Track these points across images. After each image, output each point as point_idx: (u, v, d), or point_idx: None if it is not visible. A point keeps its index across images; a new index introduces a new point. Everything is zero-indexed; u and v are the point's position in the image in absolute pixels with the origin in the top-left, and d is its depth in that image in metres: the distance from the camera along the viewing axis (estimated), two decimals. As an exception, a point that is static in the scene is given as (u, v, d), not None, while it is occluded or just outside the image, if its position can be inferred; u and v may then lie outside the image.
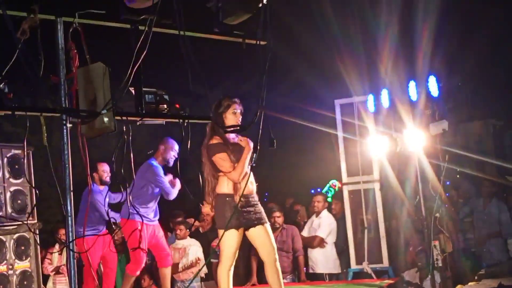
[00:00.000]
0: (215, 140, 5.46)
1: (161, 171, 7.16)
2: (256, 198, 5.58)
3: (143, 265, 7.29)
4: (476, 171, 9.22)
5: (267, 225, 5.60)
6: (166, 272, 7.42)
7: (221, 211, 5.45)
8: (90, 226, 7.46)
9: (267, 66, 4.53)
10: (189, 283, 7.19)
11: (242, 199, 5.38)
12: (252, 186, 5.52)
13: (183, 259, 9.09)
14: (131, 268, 7.23)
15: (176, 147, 7.09)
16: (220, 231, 5.48)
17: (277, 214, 8.97)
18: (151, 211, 7.26)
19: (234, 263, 5.52)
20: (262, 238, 5.54)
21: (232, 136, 5.56)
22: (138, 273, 7.30)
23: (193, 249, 9.15)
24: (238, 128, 5.41)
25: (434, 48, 8.47)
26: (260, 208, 5.58)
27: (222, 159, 5.40)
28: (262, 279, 9.68)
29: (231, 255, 5.45)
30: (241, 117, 5.51)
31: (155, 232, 7.34)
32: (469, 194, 9.56)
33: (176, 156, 7.02)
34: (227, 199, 5.43)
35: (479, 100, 9.85)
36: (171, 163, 7.10)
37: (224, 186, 5.47)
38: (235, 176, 5.40)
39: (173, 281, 9.24)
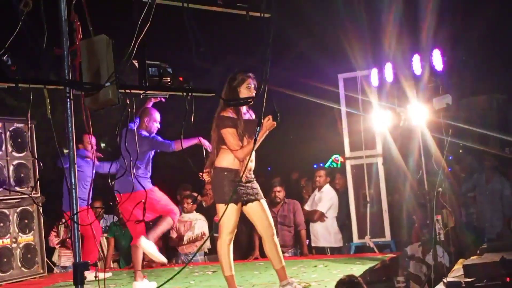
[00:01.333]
0: (228, 113, 5.45)
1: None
2: (253, 174, 5.59)
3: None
4: (479, 145, 9.22)
5: (263, 201, 5.62)
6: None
7: (220, 185, 5.45)
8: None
9: (271, 39, 4.50)
10: (192, 256, 7.18)
11: (240, 173, 5.38)
12: (251, 163, 5.53)
13: (188, 232, 9.16)
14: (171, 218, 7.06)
15: (158, 117, 6.99)
16: (218, 205, 5.50)
17: (278, 188, 9.00)
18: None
19: (233, 238, 5.53)
20: (259, 213, 5.55)
21: (243, 111, 5.55)
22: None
23: (199, 224, 9.21)
24: (241, 101, 5.39)
25: (438, 22, 8.41)
26: (256, 184, 5.60)
27: (230, 134, 5.39)
28: (264, 253, 9.75)
29: (230, 229, 5.46)
30: (255, 91, 5.47)
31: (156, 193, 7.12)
32: (472, 168, 9.57)
33: (159, 127, 6.96)
34: (226, 173, 5.42)
35: (483, 74, 9.82)
36: (154, 132, 7.01)
37: (224, 160, 5.45)
38: (240, 155, 5.39)
39: (177, 254, 9.32)
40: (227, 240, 5.47)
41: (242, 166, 5.41)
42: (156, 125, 7.01)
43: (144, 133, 6.93)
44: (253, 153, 5.45)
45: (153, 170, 7.09)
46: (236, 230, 5.56)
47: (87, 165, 7.90)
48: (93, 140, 7.79)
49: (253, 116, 5.63)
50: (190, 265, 8.41)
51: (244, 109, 5.55)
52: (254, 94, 5.45)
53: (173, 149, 6.79)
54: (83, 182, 7.74)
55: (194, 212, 9.27)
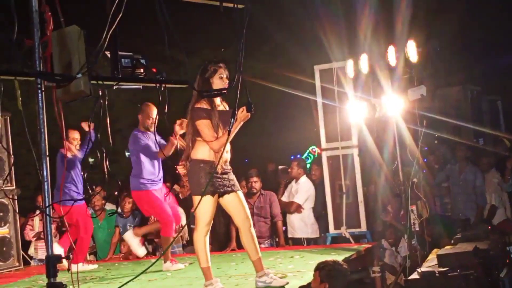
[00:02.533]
0: (202, 104, 5.42)
1: (141, 138, 7.15)
2: (229, 166, 5.58)
3: (174, 224, 7.34)
4: (453, 136, 9.30)
5: (240, 193, 5.62)
6: (166, 241, 7.32)
7: (196, 177, 5.43)
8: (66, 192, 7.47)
9: (244, 30, 4.49)
10: (165, 249, 7.18)
11: (215, 165, 5.37)
12: (227, 154, 5.52)
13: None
14: (164, 230, 7.27)
15: (153, 113, 7.05)
16: (195, 198, 5.46)
17: (255, 179, 9.03)
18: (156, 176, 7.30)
19: (210, 229, 5.52)
20: (236, 205, 5.56)
21: (217, 102, 5.54)
22: (173, 233, 7.29)
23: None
24: (215, 92, 5.38)
25: (413, 14, 8.46)
26: (232, 175, 5.59)
27: (205, 126, 5.36)
28: (241, 244, 9.77)
29: (207, 221, 5.44)
30: (227, 81, 5.47)
31: (164, 196, 7.40)
32: (446, 159, 9.66)
33: (155, 122, 6.99)
34: (202, 165, 5.40)
35: (457, 65, 9.90)
36: (151, 129, 7.06)
37: (200, 152, 5.43)
38: (215, 146, 5.36)
39: (156, 246, 9.32)
40: (203, 232, 5.44)
41: (217, 158, 5.39)
42: (150, 121, 7.02)
43: (140, 134, 7.03)
44: (228, 144, 5.44)
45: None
46: (212, 222, 5.55)
47: (76, 161, 7.85)
48: (77, 135, 7.78)
49: (227, 107, 5.63)
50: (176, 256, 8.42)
51: (218, 100, 5.54)
52: (227, 84, 5.44)
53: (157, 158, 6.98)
54: (78, 178, 7.74)
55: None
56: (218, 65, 5.48)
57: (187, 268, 7.38)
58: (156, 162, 7.25)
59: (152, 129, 7.01)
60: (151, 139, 7.08)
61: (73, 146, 7.81)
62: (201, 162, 5.41)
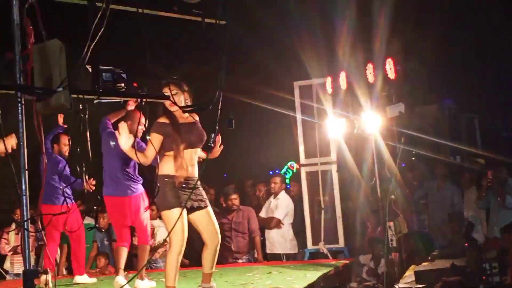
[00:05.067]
0: (162, 119, 5.41)
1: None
2: (197, 181, 5.46)
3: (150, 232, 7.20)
4: (431, 153, 9.38)
5: (209, 209, 5.57)
6: (143, 251, 7.07)
7: (162, 192, 5.33)
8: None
9: (225, 46, 4.52)
10: (143, 265, 7.09)
11: (181, 179, 5.34)
12: (192, 168, 5.44)
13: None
14: (141, 239, 7.05)
15: (142, 120, 6.94)
16: (163, 214, 5.41)
17: (234, 196, 9.07)
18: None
19: (184, 247, 5.39)
20: (205, 222, 5.52)
21: (183, 115, 5.52)
22: (151, 241, 7.18)
23: (162, 231, 9.13)
24: (197, 108, 5.39)
25: (391, 32, 8.54)
26: (201, 191, 5.52)
27: (154, 139, 5.31)
28: (220, 260, 9.75)
29: (179, 237, 5.31)
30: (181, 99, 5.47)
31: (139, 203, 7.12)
32: (424, 176, 9.73)
33: (144, 129, 6.91)
34: (166, 179, 5.33)
35: (435, 83, 10.00)
36: (139, 136, 6.97)
37: (165, 167, 5.35)
38: (143, 160, 5.32)
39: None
40: (177, 250, 5.32)
41: (183, 172, 5.36)
42: (140, 128, 6.92)
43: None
44: (195, 158, 5.46)
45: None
46: (188, 237, 5.50)
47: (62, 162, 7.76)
48: (67, 141, 7.71)
49: (197, 118, 5.62)
50: (149, 271, 8.37)
51: (179, 112, 5.49)
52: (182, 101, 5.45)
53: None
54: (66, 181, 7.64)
55: (157, 219, 9.19)
56: (169, 81, 5.43)
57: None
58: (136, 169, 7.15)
59: (139, 136, 6.93)
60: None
61: (63, 152, 7.74)
62: (166, 176, 5.34)
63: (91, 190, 7.23)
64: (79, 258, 7.99)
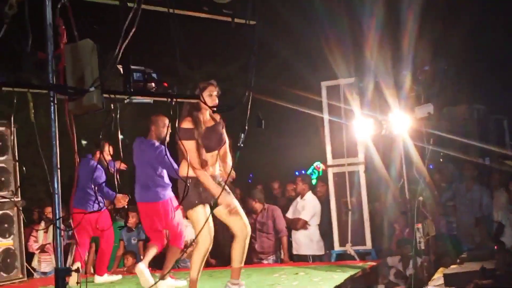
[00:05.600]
0: (187, 124, 5.48)
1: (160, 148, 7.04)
2: (220, 179, 5.60)
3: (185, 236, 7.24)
4: (459, 154, 9.29)
5: (236, 202, 5.63)
6: (174, 253, 7.14)
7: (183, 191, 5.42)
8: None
9: (255, 46, 4.51)
10: (173, 265, 7.11)
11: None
12: (213, 168, 5.57)
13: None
14: (173, 241, 7.11)
15: (167, 122, 6.98)
16: (189, 214, 5.59)
17: (255, 204, 9.08)
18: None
19: (211, 246, 5.55)
20: (233, 217, 5.59)
21: (206, 118, 5.57)
22: (182, 245, 7.21)
23: (188, 230, 9.14)
24: (225, 107, 5.40)
25: (419, 31, 8.49)
26: (225, 186, 5.55)
27: (189, 150, 5.39)
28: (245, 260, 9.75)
29: (206, 235, 5.47)
30: (217, 99, 5.52)
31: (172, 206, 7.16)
32: (452, 178, 9.64)
33: (170, 131, 6.95)
34: (189, 181, 5.38)
35: (463, 84, 9.91)
36: (167, 139, 7.01)
37: (185, 168, 5.42)
38: (200, 176, 5.44)
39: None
40: (204, 248, 5.51)
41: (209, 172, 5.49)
42: (165, 130, 6.96)
43: (156, 143, 6.99)
44: (216, 158, 5.57)
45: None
46: (215, 237, 5.55)
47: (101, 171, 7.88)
48: (111, 149, 7.80)
49: (217, 119, 5.67)
50: (176, 270, 8.39)
51: (207, 115, 5.60)
52: (217, 101, 5.52)
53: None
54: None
55: (186, 219, 9.21)
56: (209, 82, 5.53)
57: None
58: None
59: (167, 139, 6.97)
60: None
61: (105, 159, 7.76)
62: (188, 178, 5.38)
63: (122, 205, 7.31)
64: (104, 258, 8.09)
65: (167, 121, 6.93)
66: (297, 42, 12.35)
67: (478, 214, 8.94)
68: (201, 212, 5.46)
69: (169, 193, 7.08)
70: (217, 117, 5.70)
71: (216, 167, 5.61)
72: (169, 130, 6.74)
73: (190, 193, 5.37)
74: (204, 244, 5.50)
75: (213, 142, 5.52)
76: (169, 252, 7.07)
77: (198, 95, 5.08)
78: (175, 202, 7.01)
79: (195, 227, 5.51)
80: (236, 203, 5.62)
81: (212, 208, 5.52)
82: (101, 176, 7.77)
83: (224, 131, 5.68)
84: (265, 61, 12.91)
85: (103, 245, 8.06)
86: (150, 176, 6.98)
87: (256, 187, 9.36)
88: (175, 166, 6.11)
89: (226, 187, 5.56)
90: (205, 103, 5.26)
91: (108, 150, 7.78)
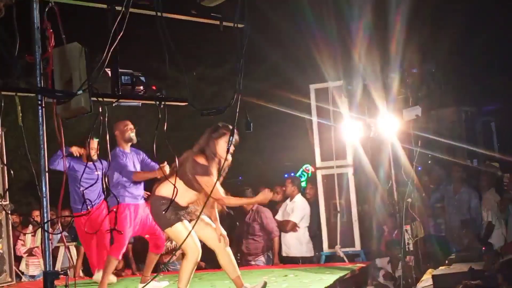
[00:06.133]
0: (201, 159, 5.58)
1: (121, 156, 7.03)
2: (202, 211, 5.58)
3: (125, 249, 7.12)
4: (447, 156, 9.34)
5: (204, 217, 5.73)
6: (154, 258, 7.23)
7: (160, 212, 5.51)
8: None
9: (244, 49, 4.52)
10: (160, 269, 7.13)
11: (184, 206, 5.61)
12: (196, 204, 5.70)
13: (167, 242, 9.11)
14: (114, 249, 6.98)
15: (127, 123, 7.01)
16: (167, 231, 5.67)
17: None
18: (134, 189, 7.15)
19: (200, 255, 5.59)
20: (204, 229, 5.71)
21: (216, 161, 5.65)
22: (120, 256, 7.15)
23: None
24: (214, 111, 5.40)
25: (407, 34, 8.52)
26: (194, 206, 5.71)
27: (211, 185, 5.41)
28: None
29: (193, 248, 5.52)
30: (233, 149, 5.55)
31: (144, 212, 7.10)
32: (440, 179, 9.68)
33: (133, 129, 6.99)
34: (163, 201, 5.48)
35: (451, 86, 9.96)
36: (134, 138, 7.00)
37: (164, 190, 5.55)
38: (229, 202, 5.74)
39: (157, 263, 9.26)
40: (193, 260, 5.56)
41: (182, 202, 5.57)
42: (129, 132, 6.95)
43: (120, 153, 6.96)
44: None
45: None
46: (200, 249, 5.59)
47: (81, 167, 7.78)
48: (96, 145, 7.73)
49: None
50: (161, 274, 8.38)
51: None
52: (231, 151, 5.50)
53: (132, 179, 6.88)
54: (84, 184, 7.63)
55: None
56: (228, 129, 5.54)
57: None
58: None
59: (135, 139, 6.97)
60: (130, 159, 7.04)
61: (92, 156, 7.72)
62: (163, 198, 5.51)
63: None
64: (103, 253, 7.98)
65: (128, 122, 6.96)
66: (286, 45, 12.38)
67: (466, 215, 8.97)
68: (180, 228, 5.52)
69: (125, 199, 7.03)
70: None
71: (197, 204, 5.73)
72: (133, 131, 6.92)
73: (168, 213, 5.46)
74: (193, 256, 5.55)
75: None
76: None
77: (186, 98, 5.07)
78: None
79: (178, 242, 5.58)
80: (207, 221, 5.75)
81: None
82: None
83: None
84: (254, 64, 12.92)
85: (99, 242, 7.90)
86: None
87: (246, 189, 9.34)
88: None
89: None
90: (193, 105, 5.26)
91: (92, 145, 7.71)
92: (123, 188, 6.94)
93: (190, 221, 5.61)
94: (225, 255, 5.71)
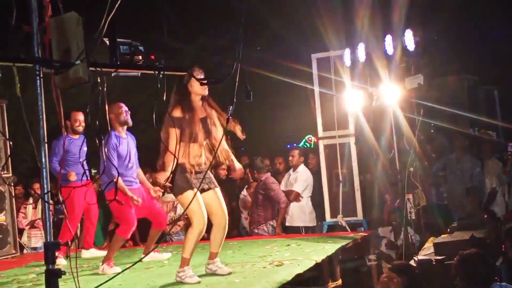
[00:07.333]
0: (176, 113, 5.53)
1: (113, 142, 6.90)
2: (205, 166, 5.63)
3: (135, 227, 7.07)
4: (450, 125, 9.31)
5: (218, 190, 5.79)
6: (157, 234, 7.22)
7: (173, 179, 5.54)
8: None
9: (243, 18, 4.48)
10: (160, 239, 7.14)
11: (189, 166, 5.54)
12: (200, 159, 5.61)
13: (171, 213, 9.16)
14: (122, 229, 6.91)
15: (122, 105, 6.95)
16: (179, 199, 5.71)
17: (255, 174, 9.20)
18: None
19: (205, 226, 5.60)
20: (213, 202, 5.73)
21: (198, 108, 5.61)
22: (129, 235, 7.15)
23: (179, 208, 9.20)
24: (214, 80, 5.38)
25: (410, 2, 8.44)
26: (210, 174, 5.75)
27: (171, 137, 5.45)
28: (238, 233, 9.81)
29: (199, 217, 5.53)
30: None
31: (143, 194, 7.08)
32: (443, 148, 9.67)
33: (128, 112, 6.95)
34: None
35: (454, 55, 9.88)
36: (129, 121, 6.95)
37: (167, 159, 5.48)
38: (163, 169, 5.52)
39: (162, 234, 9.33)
40: (198, 229, 5.56)
41: (190, 159, 5.55)
42: (123, 115, 6.90)
43: (114, 138, 6.85)
44: (202, 151, 5.60)
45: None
46: (206, 219, 5.59)
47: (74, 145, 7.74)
48: (81, 117, 7.68)
49: (213, 113, 5.74)
50: (164, 244, 8.43)
51: (198, 105, 5.63)
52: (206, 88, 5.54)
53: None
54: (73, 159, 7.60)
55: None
56: (192, 67, 5.47)
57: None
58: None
59: (130, 122, 6.92)
60: (125, 145, 6.94)
61: (76, 127, 7.70)
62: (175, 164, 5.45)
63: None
64: (91, 232, 8.02)
65: (122, 104, 6.91)
66: (287, 14, 12.28)
67: (469, 184, 8.97)
68: (191, 197, 5.45)
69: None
70: (211, 110, 5.70)
71: (202, 158, 5.65)
72: (128, 113, 6.86)
73: (177, 178, 5.50)
74: (198, 226, 5.55)
75: (202, 133, 5.58)
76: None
77: (186, 68, 5.05)
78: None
79: (188, 212, 5.56)
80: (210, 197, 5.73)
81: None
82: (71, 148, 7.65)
83: (215, 124, 5.72)
84: (256, 33, 12.84)
85: (88, 220, 7.96)
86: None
87: (255, 158, 9.37)
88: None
89: (213, 178, 5.77)
90: (194, 77, 5.25)
91: (75, 117, 7.69)
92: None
93: (207, 189, 5.66)
94: (222, 232, 5.76)
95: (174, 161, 5.23)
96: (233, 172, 6.26)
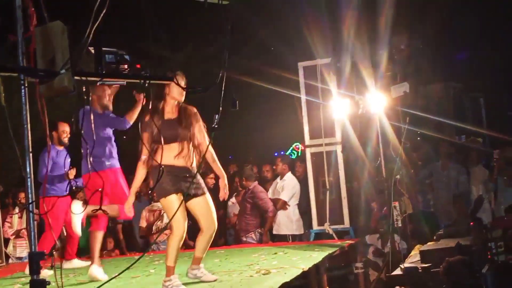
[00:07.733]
0: (146, 117, 5.52)
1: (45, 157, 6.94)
2: (193, 171, 5.56)
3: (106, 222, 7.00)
4: (435, 133, 9.36)
5: (207, 196, 5.69)
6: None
7: (158, 182, 5.43)
8: (51, 187, 7.31)
9: (229, 26, 4.50)
10: (148, 246, 7.12)
11: (176, 169, 5.47)
12: (184, 160, 5.53)
13: (157, 222, 9.13)
14: (96, 225, 6.83)
15: (106, 89, 6.87)
16: (161, 202, 5.60)
17: (244, 182, 9.17)
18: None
19: (185, 232, 5.54)
20: (202, 209, 5.65)
21: (170, 110, 5.57)
22: (104, 228, 7.01)
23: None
24: (200, 89, 5.39)
25: (396, 11, 8.49)
26: (199, 179, 5.63)
27: (145, 140, 5.46)
28: (226, 242, 9.79)
29: (180, 223, 5.46)
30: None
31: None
32: (429, 156, 9.71)
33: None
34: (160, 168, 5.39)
35: (439, 63, 9.95)
36: (110, 108, 6.86)
37: (157, 158, 5.42)
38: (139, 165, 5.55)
39: (147, 243, 9.28)
40: (179, 235, 5.49)
41: (178, 162, 5.49)
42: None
43: (99, 111, 6.72)
44: (190, 150, 5.53)
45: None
46: (186, 225, 5.55)
47: (60, 156, 7.67)
48: (67, 128, 7.61)
49: (183, 114, 5.62)
50: (151, 253, 8.40)
51: (171, 107, 5.57)
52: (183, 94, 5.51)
53: (128, 123, 6.71)
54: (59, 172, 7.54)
55: None
56: (175, 74, 5.43)
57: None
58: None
59: (111, 107, 6.86)
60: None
61: (62, 139, 7.63)
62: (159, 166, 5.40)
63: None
64: (74, 243, 7.93)
65: (108, 90, 6.82)
66: (274, 22, 12.31)
67: (455, 191, 9.02)
68: (175, 200, 5.45)
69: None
70: (190, 110, 5.65)
71: (187, 159, 5.55)
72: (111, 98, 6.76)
73: (163, 180, 5.37)
74: (179, 232, 5.49)
75: (167, 134, 5.47)
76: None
77: (171, 76, 5.05)
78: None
79: (168, 214, 5.52)
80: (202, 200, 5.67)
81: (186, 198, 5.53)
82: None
83: (188, 125, 5.58)
84: (243, 41, 12.88)
85: (70, 230, 7.86)
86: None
87: (246, 166, 9.37)
88: None
89: (202, 184, 5.69)
90: (178, 84, 5.25)
91: (63, 128, 7.60)
92: None
93: (196, 195, 5.58)
94: (209, 237, 5.71)
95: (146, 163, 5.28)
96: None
